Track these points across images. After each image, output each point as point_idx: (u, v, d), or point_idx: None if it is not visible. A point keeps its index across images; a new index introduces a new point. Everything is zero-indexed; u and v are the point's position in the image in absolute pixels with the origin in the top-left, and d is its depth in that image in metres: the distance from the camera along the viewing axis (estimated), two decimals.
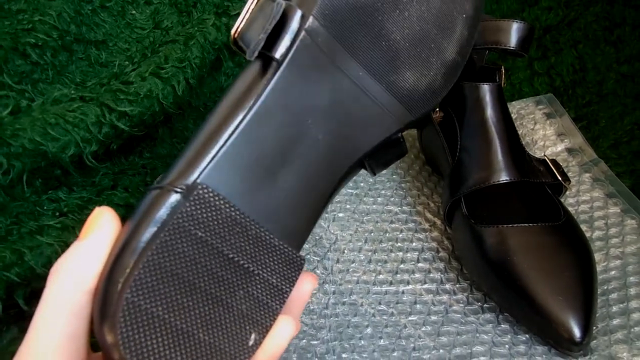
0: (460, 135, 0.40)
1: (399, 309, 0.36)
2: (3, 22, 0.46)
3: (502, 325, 0.35)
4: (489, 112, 0.39)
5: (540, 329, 0.33)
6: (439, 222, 0.44)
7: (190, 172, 0.21)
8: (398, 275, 0.39)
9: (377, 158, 0.27)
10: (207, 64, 0.52)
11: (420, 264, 0.40)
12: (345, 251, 0.41)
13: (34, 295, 0.36)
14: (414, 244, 0.42)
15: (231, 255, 0.21)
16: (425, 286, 0.38)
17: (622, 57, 0.54)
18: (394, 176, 0.49)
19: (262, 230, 0.22)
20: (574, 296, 0.32)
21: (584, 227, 0.42)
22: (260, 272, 0.22)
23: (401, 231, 0.43)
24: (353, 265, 0.40)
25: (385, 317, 0.35)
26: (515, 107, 0.54)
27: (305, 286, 0.24)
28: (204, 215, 0.21)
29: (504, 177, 0.37)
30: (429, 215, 0.45)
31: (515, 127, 0.41)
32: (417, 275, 0.39)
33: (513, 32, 0.40)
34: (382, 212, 0.45)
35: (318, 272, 0.38)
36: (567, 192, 0.45)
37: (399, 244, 0.42)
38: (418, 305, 0.36)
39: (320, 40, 0.23)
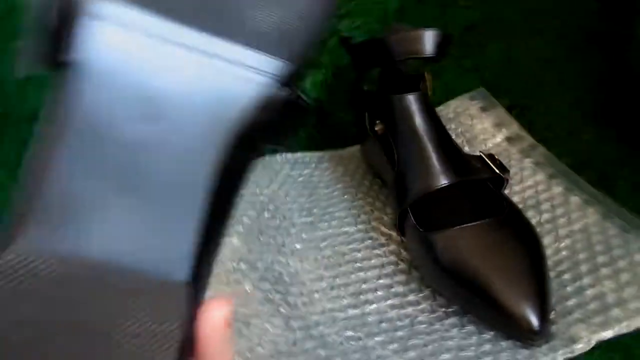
0: (396, 147, 0.41)
1: (366, 332, 0.36)
2: None
3: (467, 327, 0.35)
4: (417, 120, 0.40)
5: (501, 325, 0.33)
6: (394, 234, 0.44)
7: None
8: (362, 297, 0.39)
9: (271, 129, 0.21)
10: None
11: (381, 281, 0.40)
12: (307, 282, 0.41)
13: None
14: (373, 261, 0.42)
15: (78, 319, 0.17)
16: (389, 302, 0.38)
17: (543, 42, 0.56)
18: (345, 196, 0.50)
19: (117, 270, 0.18)
20: (526, 286, 0.33)
21: (531, 212, 0.43)
22: (126, 323, 0.18)
23: (359, 251, 0.43)
24: (316, 295, 0.40)
25: (352, 342, 0.35)
26: (451, 107, 0.55)
27: (214, 314, 0.19)
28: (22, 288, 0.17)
29: (442, 181, 0.38)
30: (384, 229, 0.45)
31: (446, 131, 0.42)
32: (380, 292, 0.39)
33: (427, 40, 0.41)
34: (338, 235, 0.45)
35: (282, 310, 0.38)
36: (512, 181, 0.46)
37: (358, 264, 0.42)
38: (384, 324, 0.36)
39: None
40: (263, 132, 0.20)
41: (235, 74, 0.19)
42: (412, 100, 0.41)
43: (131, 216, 0.18)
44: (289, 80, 0.20)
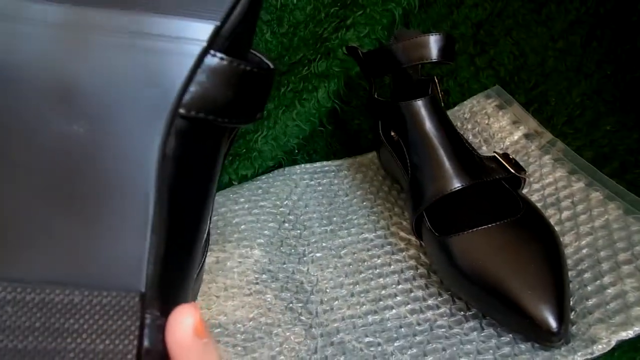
0: (408, 154, 0.42)
1: (385, 337, 0.36)
2: None
3: (486, 330, 0.35)
4: (427, 125, 0.40)
5: (519, 327, 0.33)
6: (413, 239, 0.44)
7: None
8: (381, 303, 0.39)
9: (229, 107, 0.18)
10: None
11: (401, 286, 0.40)
12: (328, 290, 0.41)
13: None
14: (392, 266, 0.42)
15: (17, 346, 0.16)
16: (409, 307, 0.39)
17: (555, 34, 0.55)
18: (364, 202, 0.50)
19: (62, 289, 0.16)
20: (544, 287, 0.32)
21: (552, 210, 0.42)
22: (75, 342, 0.16)
23: (379, 257, 0.44)
24: (337, 302, 0.40)
25: (372, 348, 0.36)
26: (467, 106, 0.55)
27: (180, 323, 0.17)
28: None
29: (456, 184, 0.38)
30: (403, 234, 0.45)
31: (458, 134, 0.42)
32: (399, 297, 0.40)
33: (432, 45, 0.41)
34: (357, 242, 0.46)
35: (303, 318, 0.39)
36: (532, 179, 0.46)
37: (378, 270, 0.42)
38: (403, 329, 0.37)
39: None
40: (219, 112, 0.17)
41: (162, 50, 0.16)
42: (420, 106, 0.41)
43: (70, 228, 0.16)
44: (229, 45, 0.17)
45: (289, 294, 0.41)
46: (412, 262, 0.43)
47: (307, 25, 0.58)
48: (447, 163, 0.39)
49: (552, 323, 0.31)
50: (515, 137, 0.51)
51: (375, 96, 0.47)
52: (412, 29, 0.56)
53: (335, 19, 0.55)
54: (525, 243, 0.35)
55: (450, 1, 0.58)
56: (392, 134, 0.49)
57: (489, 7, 0.58)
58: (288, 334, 0.38)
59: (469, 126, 0.54)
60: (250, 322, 0.38)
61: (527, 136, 0.51)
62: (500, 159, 0.41)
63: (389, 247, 0.45)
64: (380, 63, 0.44)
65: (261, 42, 0.61)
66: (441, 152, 0.39)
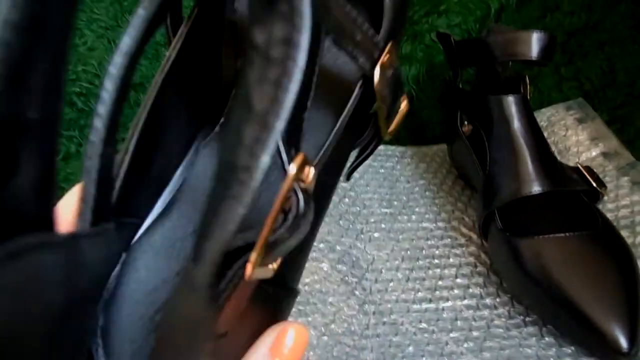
0: (489, 149, 0.41)
1: (440, 326, 0.36)
2: None
3: (546, 339, 0.34)
4: (516, 123, 0.40)
5: (585, 341, 0.32)
6: (474, 236, 0.44)
7: None
8: (437, 292, 0.39)
9: None
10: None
11: (458, 280, 0.40)
12: (383, 271, 0.41)
13: None
14: (451, 260, 0.42)
15: None
16: (465, 302, 0.38)
17: None
18: (427, 192, 0.50)
19: None
20: (617, 305, 0.32)
21: (625, 233, 0.41)
22: None
23: (437, 248, 0.43)
24: (391, 284, 0.40)
25: (426, 335, 0.36)
26: (545, 115, 0.54)
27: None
28: None
29: (536, 188, 0.37)
30: (464, 230, 0.45)
31: (544, 137, 0.41)
32: (456, 291, 0.39)
33: (534, 43, 0.40)
34: (417, 230, 0.45)
35: (357, 293, 0.39)
36: (606, 198, 0.44)
37: (436, 260, 0.42)
38: (459, 322, 0.36)
39: None
40: None
41: None
42: (512, 102, 0.40)
43: None
44: None
45: (344, 267, 0.41)
46: (471, 259, 0.42)
47: None
48: (530, 165, 0.38)
49: (623, 342, 0.30)
50: (593, 154, 0.49)
51: (460, 86, 0.46)
52: (506, 26, 0.54)
53: (428, 4, 0.54)
54: (601, 258, 0.34)
55: (546, 4, 0.57)
56: (465, 128, 0.48)
57: (584, 17, 0.56)
58: (342, 305, 0.38)
59: (545, 135, 0.52)
60: (305, 287, 0.39)
61: (605, 155, 0.49)
62: (583, 171, 0.40)
63: (448, 240, 0.44)
64: (472, 54, 0.43)
65: None
66: (526, 153, 0.39)
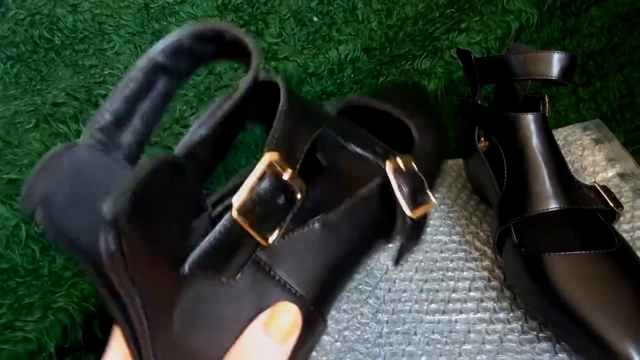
0: (507, 165, 0.41)
1: (453, 338, 0.36)
2: (78, 76, 0.52)
3: (560, 355, 0.34)
4: (534, 141, 0.40)
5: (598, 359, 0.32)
6: (489, 251, 0.44)
7: None
8: (450, 305, 0.39)
9: None
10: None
11: (472, 293, 0.40)
12: (397, 281, 0.42)
13: (107, 325, 0.38)
14: (465, 273, 0.42)
15: None
16: (479, 315, 0.38)
17: None
18: (441, 206, 0.50)
19: None
20: (633, 324, 0.32)
21: None
22: None
23: (451, 260, 0.44)
24: (405, 294, 0.40)
25: (439, 346, 0.36)
26: (561, 134, 0.54)
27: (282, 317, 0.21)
28: None
29: (553, 205, 0.38)
30: (478, 244, 0.45)
31: (562, 155, 0.41)
32: (469, 304, 0.39)
33: (555, 63, 0.41)
34: (431, 242, 0.46)
35: (371, 301, 0.40)
36: (621, 219, 0.44)
37: (449, 273, 0.42)
38: (472, 335, 0.36)
39: None
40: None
41: None
42: (531, 120, 0.40)
43: None
44: None
45: (358, 276, 0.41)
46: (485, 273, 0.42)
47: (416, 21, 0.59)
48: (547, 182, 0.38)
49: None
50: (609, 175, 0.50)
51: (479, 103, 0.46)
52: (526, 46, 0.55)
53: (449, 21, 0.55)
54: (617, 277, 0.34)
55: (565, 26, 0.57)
56: (481, 144, 0.49)
57: (604, 40, 0.57)
58: (355, 312, 0.38)
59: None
60: None
61: (621, 176, 0.49)
62: (600, 190, 0.40)
63: (462, 253, 0.44)
64: (492, 71, 0.44)
65: (366, 30, 0.61)
66: (543, 170, 0.39)
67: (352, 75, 0.61)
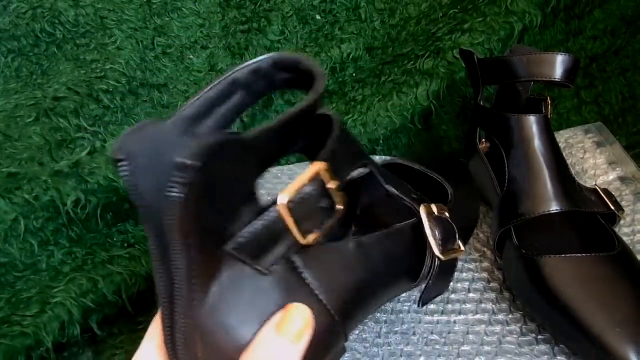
0: (508, 167, 0.41)
1: (452, 339, 0.36)
2: (79, 71, 0.51)
3: (559, 358, 0.34)
4: (536, 143, 0.40)
5: None
6: (488, 252, 0.44)
7: None
8: (449, 306, 0.39)
9: None
10: (259, 103, 0.55)
11: (471, 295, 0.40)
12: None
13: (106, 320, 0.39)
14: (464, 274, 0.42)
15: None
16: (478, 317, 0.38)
17: None
18: None
19: None
20: (632, 327, 0.31)
21: None
22: None
23: None
24: (403, 295, 0.40)
25: (437, 346, 0.36)
26: (563, 137, 0.54)
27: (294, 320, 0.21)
28: None
29: (554, 208, 0.38)
30: (478, 246, 0.45)
31: (564, 157, 0.41)
32: (468, 305, 0.39)
33: (558, 65, 0.40)
34: None
35: None
36: (622, 222, 0.44)
37: None
38: (471, 336, 0.36)
39: None
40: None
41: None
42: (533, 122, 0.40)
43: None
44: None
45: None
46: (485, 275, 0.42)
47: (419, 21, 0.59)
48: (549, 184, 0.38)
49: None
50: (610, 178, 0.49)
51: (482, 104, 0.46)
52: (529, 47, 0.55)
53: (453, 21, 0.54)
54: (617, 280, 0.34)
55: (569, 28, 0.57)
56: (483, 146, 0.49)
57: (607, 43, 0.57)
58: None
59: None
60: None
61: (622, 179, 0.49)
62: (602, 193, 0.40)
63: (462, 255, 0.44)
64: (496, 72, 0.44)
65: (368, 29, 0.61)
66: (545, 172, 0.39)
67: (354, 75, 0.61)
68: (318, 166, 0.22)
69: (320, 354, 0.24)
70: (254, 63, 0.23)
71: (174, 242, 0.18)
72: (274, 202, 0.21)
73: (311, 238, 0.23)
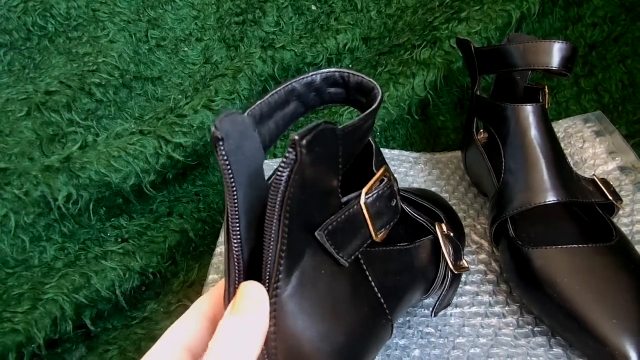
0: (505, 157, 0.40)
1: (447, 332, 0.36)
2: (72, 65, 0.51)
3: (555, 350, 0.34)
4: (533, 132, 0.39)
5: (594, 354, 0.32)
6: (486, 244, 0.44)
7: None
8: None
9: None
10: (255, 95, 0.55)
11: (468, 287, 0.40)
12: None
13: (100, 316, 0.38)
14: None
15: None
16: (474, 309, 0.38)
17: None
18: None
19: None
20: (629, 319, 0.31)
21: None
22: None
23: None
24: None
25: (433, 339, 0.35)
26: (562, 126, 0.53)
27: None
28: None
29: (550, 198, 0.37)
30: (475, 238, 0.44)
31: (561, 147, 0.40)
32: (465, 298, 0.39)
33: (555, 53, 0.40)
34: None
35: None
36: (621, 212, 0.44)
37: None
38: (466, 329, 0.36)
39: None
40: None
41: None
42: (530, 112, 0.40)
43: None
44: None
45: None
46: (482, 267, 0.42)
47: (416, 11, 0.58)
48: (546, 174, 0.38)
49: (634, 357, 0.30)
50: (610, 168, 0.49)
51: (478, 94, 0.46)
52: (527, 35, 0.54)
53: (449, 10, 0.54)
54: (614, 271, 0.34)
55: (568, 15, 0.56)
56: (481, 136, 0.48)
57: (607, 30, 0.56)
58: None
59: (562, 146, 0.52)
60: None
61: (622, 169, 0.48)
62: (599, 183, 0.40)
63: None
64: (492, 61, 0.43)
65: (365, 19, 0.60)
66: (542, 162, 0.38)
67: (350, 66, 0.60)
68: (386, 168, 0.25)
69: (376, 347, 0.26)
70: (310, 76, 0.25)
71: (272, 219, 0.20)
72: (355, 197, 0.23)
73: (380, 235, 0.25)
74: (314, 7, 0.63)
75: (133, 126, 0.47)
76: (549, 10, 0.56)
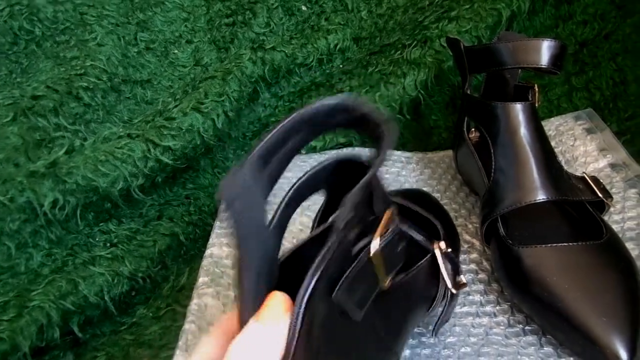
0: (495, 156, 0.40)
1: (438, 332, 0.36)
2: (59, 68, 0.50)
3: (545, 348, 0.34)
4: (523, 131, 0.39)
5: (584, 352, 0.32)
6: (477, 243, 0.43)
7: None
8: None
9: None
10: (245, 97, 0.54)
11: None
12: None
13: (88, 322, 0.38)
14: None
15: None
16: (465, 309, 0.38)
17: None
18: None
19: None
20: (618, 317, 0.31)
21: (631, 245, 0.40)
22: None
23: None
24: None
25: (423, 339, 0.35)
26: (553, 124, 0.53)
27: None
28: None
29: (540, 197, 0.37)
30: (467, 237, 0.44)
31: (551, 145, 0.40)
32: None
33: (544, 51, 0.39)
34: None
35: None
36: (612, 210, 0.44)
37: None
38: (457, 328, 0.36)
39: None
40: None
41: None
42: (519, 110, 0.39)
43: None
44: None
45: None
46: (473, 266, 0.41)
47: (406, 10, 0.58)
48: (535, 172, 0.38)
49: (623, 355, 0.30)
50: (600, 165, 0.49)
51: (468, 92, 0.45)
52: (517, 34, 0.54)
53: (439, 9, 0.53)
54: (604, 269, 0.34)
55: (558, 13, 0.56)
56: (472, 135, 0.48)
57: (597, 27, 0.56)
58: None
59: (553, 144, 0.51)
60: None
61: (613, 166, 0.48)
62: (590, 181, 0.40)
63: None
64: (482, 60, 0.43)
65: (355, 19, 0.60)
66: (531, 161, 0.38)
67: (341, 66, 0.60)
68: (392, 210, 0.24)
69: None
70: (311, 108, 0.24)
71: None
72: (365, 246, 0.23)
73: (387, 281, 0.24)
74: (304, 8, 0.63)
75: (121, 130, 0.46)
76: (539, 8, 0.56)
